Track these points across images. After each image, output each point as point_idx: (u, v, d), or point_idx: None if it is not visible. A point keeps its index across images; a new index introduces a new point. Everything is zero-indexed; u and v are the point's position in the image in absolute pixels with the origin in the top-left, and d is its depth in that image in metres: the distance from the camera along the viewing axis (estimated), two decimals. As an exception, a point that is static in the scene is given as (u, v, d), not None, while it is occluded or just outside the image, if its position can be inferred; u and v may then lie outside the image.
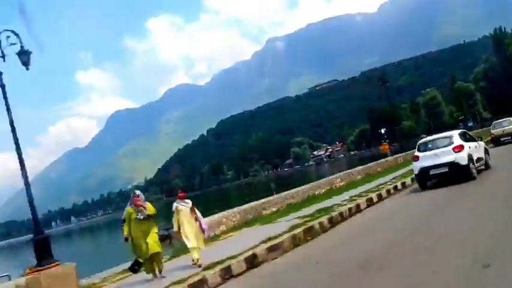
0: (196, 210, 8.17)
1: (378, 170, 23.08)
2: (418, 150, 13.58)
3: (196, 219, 8.14)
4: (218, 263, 7.45)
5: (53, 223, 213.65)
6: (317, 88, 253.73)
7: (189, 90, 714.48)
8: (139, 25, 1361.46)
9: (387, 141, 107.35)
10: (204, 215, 9.41)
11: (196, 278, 6.86)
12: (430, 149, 13.14)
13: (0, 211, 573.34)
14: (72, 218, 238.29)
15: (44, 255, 7.94)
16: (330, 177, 20.15)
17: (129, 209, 7.84)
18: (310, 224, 9.63)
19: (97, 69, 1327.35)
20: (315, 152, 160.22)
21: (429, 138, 14.96)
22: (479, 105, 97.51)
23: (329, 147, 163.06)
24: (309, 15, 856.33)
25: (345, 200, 12.77)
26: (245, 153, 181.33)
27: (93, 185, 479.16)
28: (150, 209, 7.78)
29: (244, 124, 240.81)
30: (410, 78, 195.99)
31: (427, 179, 13.13)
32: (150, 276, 7.73)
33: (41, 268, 7.74)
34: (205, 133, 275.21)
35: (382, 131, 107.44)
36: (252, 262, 7.57)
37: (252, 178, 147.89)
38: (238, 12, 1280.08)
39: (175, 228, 8.14)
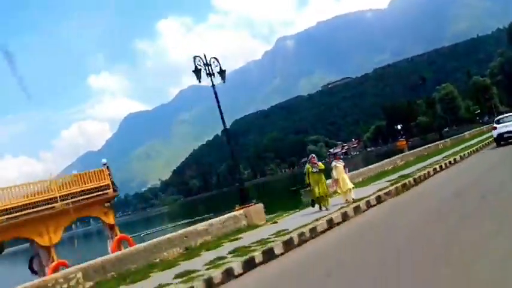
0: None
1: (425, 153, 28.12)
2: (497, 123, 22.26)
3: (346, 172, 13.32)
4: (360, 199, 12.32)
5: (73, 226, 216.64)
6: (329, 86, 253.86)
7: (200, 90, 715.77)
8: (149, 27, 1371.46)
9: (404, 137, 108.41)
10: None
11: (351, 207, 11.60)
12: (503, 122, 21.59)
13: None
14: (91, 221, 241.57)
15: (245, 199, 14.16)
16: (392, 158, 25.80)
17: (308, 166, 12.98)
18: (402, 181, 14.60)
19: (109, 72, 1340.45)
20: (331, 150, 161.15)
21: (502, 116, 23.34)
22: (496, 99, 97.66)
23: (345, 144, 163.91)
24: (319, 14, 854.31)
25: (416, 171, 17.71)
26: (260, 153, 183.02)
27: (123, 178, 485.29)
28: (320, 166, 12.95)
29: (258, 123, 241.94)
30: (424, 74, 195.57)
31: (502, 140, 21.40)
32: (317, 209, 12.76)
33: (245, 206, 13.68)
34: (219, 133, 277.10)
35: (399, 127, 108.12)
36: (379, 200, 12.46)
37: (269, 177, 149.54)
38: (247, 12, 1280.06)
39: (335, 176, 13.39)
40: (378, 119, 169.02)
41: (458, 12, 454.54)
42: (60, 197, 18.18)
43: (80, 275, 8.88)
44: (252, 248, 8.96)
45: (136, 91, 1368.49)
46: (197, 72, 14.90)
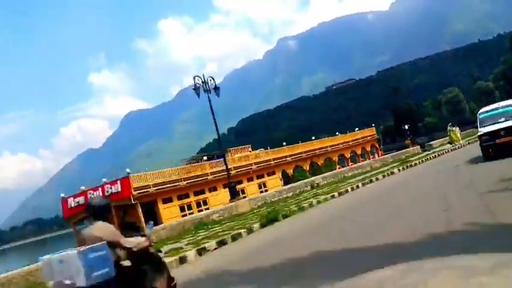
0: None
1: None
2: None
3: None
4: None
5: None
6: (334, 87, 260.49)
7: (202, 90, 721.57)
8: (150, 26, 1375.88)
9: (411, 136, 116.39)
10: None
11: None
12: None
13: (19, 211, 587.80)
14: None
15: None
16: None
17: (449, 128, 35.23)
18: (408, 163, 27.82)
19: (110, 70, 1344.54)
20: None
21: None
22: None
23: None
24: (321, 14, 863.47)
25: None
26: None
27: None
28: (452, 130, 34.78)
29: (264, 123, 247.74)
30: (427, 77, 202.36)
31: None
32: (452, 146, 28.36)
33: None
34: (225, 132, 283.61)
35: (406, 127, 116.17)
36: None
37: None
38: (248, 11, 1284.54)
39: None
40: (382, 120, 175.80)
41: (458, 14, 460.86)
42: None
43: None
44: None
45: (137, 90, 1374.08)
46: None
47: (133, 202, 26.51)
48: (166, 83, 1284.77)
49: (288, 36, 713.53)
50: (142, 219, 25.77)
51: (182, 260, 10.35)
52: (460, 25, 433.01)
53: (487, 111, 18.18)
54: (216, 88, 20.69)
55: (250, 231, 13.03)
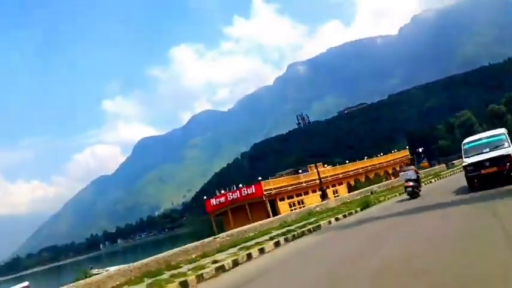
0: None
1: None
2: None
3: None
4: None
5: (101, 245, 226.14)
6: (346, 112, 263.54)
7: (212, 116, 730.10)
8: (162, 54, 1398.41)
9: (426, 159, 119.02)
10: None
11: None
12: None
13: (33, 238, 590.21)
14: (119, 240, 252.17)
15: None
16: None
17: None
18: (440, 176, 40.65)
19: (123, 97, 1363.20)
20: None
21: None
22: (511, 125, 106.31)
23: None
24: (329, 39, 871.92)
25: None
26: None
27: (121, 211, 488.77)
28: None
29: (276, 147, 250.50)
30: (439, 100, 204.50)
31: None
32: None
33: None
34: (239, 157, 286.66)
35: (420, 150, 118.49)
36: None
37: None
38: (258, 38, 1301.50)
39: None
40: (394, 143, 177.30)
41: (467, 39, 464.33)
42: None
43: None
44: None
45: (149, 116, 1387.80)
46: None
47: (264, 199, 38.56)
48: (178, 109, 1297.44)
49: (298, 62, 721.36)
50: (270, 211, 37.83)
51: (330, 222, 20.19)
52: (470, 49, 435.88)
53: (471, 142, 18.19)
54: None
55: (355, 211, 23.22)
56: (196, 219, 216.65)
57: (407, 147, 73.61)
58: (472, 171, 16.48)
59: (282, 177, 45.38)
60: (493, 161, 15.76)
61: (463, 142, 18.97)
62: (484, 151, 16.56)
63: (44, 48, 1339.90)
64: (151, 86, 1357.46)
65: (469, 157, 17.02)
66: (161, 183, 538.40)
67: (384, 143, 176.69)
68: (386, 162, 64.04)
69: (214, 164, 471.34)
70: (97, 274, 15.31)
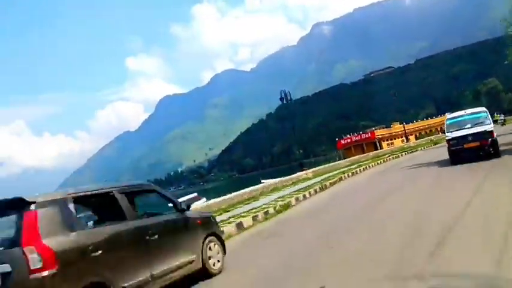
0: None
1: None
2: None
3: None
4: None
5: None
6: (372, 75, 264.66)
7: (234, 75, 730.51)
8: (185, 11, 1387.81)
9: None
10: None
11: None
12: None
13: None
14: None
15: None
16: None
17: None
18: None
19: (146, 54, 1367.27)
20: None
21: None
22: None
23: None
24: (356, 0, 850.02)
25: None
26: (313, 135, 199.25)
27: (144, 167, 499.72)
28: None
29: (301, 109, 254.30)
30: (466, 66, 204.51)
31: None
32: None
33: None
34: (263, 117, 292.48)
35: (447, 114, 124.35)
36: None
37: (322, 157, 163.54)
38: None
39: None
40: (420, 108, 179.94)
41: (497, 3, 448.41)
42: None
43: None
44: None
45: (171, 74, 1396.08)
46: None
47: (375, 140, 63.97)
48: (199, 68, 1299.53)
49: (323, 22, 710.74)
50: (379, 147, 61.31)
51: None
52: (502, 11, 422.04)
53: (453, 118, 18.82)
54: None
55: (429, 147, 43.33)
56: (223, 175, 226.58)
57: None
58: (455, 144, 17.09)
59: (383, 129, 71.50)
60: (476, 135, 16.44)
61: (446, 118, 19.73)
62: (465, 127, 17.22)
63: (69, 4, 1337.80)
64: (174, 44, 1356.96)
65: (451, 132, 17.61)
66: (183, 140, 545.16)
67: (410, 107, 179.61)
68: (434, 123, 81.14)
69: (236, 124, 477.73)
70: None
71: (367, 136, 64.88)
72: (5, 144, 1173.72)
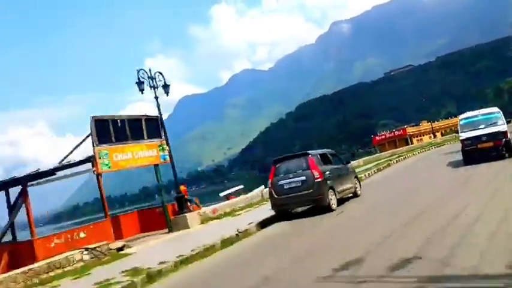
0: None
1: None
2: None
3: None
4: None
5: (156, 195, 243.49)
6: (392, 73, 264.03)
7: (252, 75, 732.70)
8: (203, 12, 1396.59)
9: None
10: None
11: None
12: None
13: (80, 191, 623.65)
14: (172, 192, 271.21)
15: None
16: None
17: None
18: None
19: (164, 55, 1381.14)
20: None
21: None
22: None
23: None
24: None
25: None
26: (332, 134, 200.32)
27: (163, 167, 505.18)
28: None
29: (321, 108, 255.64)
30: (488, 63, 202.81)
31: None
32: None
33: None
34: (283, 116, 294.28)
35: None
36: None
37: (341, 156, 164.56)
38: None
39: None
40: (441, 106, 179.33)
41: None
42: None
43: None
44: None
45: (190, 75, 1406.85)
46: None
47: (406, 137, 71.84)
48: (217, 68, 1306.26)
49: (342, 20, 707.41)
50: (410, 142, 68.24)
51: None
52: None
53: (467, 118, 18.82)
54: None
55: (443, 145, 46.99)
56: (244, 173, 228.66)
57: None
58: (469, 144, 17.10)
59: (412, 127, 79.07)
60: (489, 136, 16.52)
61: (460, 118, 19.91)
62: (479, 127, 17.24)
63: (92, 8, 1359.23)
64: (192, 44, 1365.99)
65: (465, 132, 17.69)
66: (202, 140, 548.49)
67: (430, 105, 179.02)
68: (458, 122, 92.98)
69: (254, 123, 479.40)
70: None
71: (399, 133, 73.18)
72: (29, 145, 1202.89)
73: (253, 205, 17.82)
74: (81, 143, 13.97)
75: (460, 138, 17.90)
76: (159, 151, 15.43)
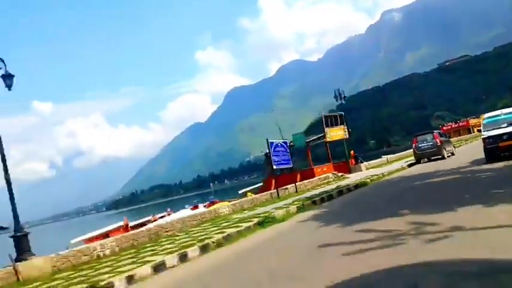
0: None
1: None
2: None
3: None
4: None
5: (211, 184, 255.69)
6: (447, 64, 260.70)
7: (301, 66, 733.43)
8: (252, 4, 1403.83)
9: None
10: None
11: None
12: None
13: (134, 179, 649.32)
14: (226, 181, 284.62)
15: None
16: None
17: None
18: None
19: (214, 48, 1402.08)
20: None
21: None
22: None
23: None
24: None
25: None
26: (384, 126, 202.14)
27: (213, 157, 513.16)
28: None
29: (372, 99, 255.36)
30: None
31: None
32: None
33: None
34: (334, 108, 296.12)
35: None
36: None
37: (394, 147, 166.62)
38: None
39: None
40: (497, 96, 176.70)
41: None
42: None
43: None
44: None
45: (239, 66, 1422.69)
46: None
47: (469, 127, 77.65)
48: (266, 60, 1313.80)
49: (393, 9, 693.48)
50: (472, 132, 71.84)
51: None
52: None
53: (490, 117, 19.22)
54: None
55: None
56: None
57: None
58: (490, 143, 17.40)
59: (474, 119, 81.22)
60: (510, 134, 16.80)
61: (483, 116, 20.57)
62: (502, 126, 17.53)
63: (145, 4, 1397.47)
64: (241, 36, 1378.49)
65: (487, 131, 18.00)
66: (251, 131, 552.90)
67: (488, 97, 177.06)
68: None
69: (303, 114, 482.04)
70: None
71: (463, 124, 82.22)
72: (85, 136, 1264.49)
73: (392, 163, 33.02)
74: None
75: (482, 136, 18.20)
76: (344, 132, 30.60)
